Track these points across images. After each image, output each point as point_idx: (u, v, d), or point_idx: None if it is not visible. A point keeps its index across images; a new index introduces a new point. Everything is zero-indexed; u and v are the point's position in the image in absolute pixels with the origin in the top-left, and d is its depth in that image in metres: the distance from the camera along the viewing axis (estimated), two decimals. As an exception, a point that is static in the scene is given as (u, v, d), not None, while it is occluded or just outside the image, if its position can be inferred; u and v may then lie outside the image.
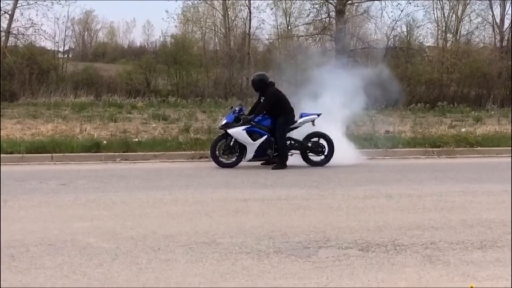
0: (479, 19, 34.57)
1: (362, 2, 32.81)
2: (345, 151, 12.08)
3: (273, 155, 11.73)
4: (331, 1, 31.77)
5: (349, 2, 32.36)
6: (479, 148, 14.56)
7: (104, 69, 33.33)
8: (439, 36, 34.99)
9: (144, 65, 31.53)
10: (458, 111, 25.78)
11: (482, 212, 7.40)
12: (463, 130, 17.48)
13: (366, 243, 5.90)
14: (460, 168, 11.84)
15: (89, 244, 5.84)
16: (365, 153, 12.64)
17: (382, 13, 42.96)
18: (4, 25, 30.37)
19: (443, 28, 34.54)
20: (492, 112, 25.37)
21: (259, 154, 11.69)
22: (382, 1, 32.47)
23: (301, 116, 11.94)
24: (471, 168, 11.97)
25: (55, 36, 32.76)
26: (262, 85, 11.87)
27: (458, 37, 34.25)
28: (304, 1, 33.59)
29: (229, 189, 9.19)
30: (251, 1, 33.56)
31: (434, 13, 34.56)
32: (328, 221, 6.88)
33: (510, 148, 14.33)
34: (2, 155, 12.22)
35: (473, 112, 24.98)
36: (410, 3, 33.13)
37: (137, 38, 69.29)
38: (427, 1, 33.74)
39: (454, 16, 34.46)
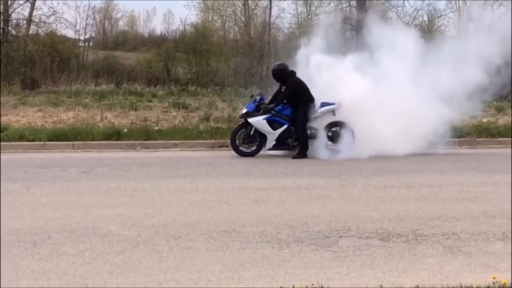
0: (502, 8, 34.11)
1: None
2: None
3: (293, 145, 11.71)
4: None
5: (371, -10, 32.15)
6: (501, 138, 14.41)
7: (124, 57, 33.42)
8: (461, 26, 34.61)
9: (164, 54, 31.59)
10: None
11: (504, 203, 7.32)
12: (485, 120, 17.30)
13: (387, 233, 5.88)
14: (482, 159, 11.75)
15: (110, 231, 5.89)
16: None
17: (403, 2, 42.59)
18: (26, 13, 30.58)
19: (465, 18, 34.15)
20: (515, 103, 25.05)
21: (279, 144, 11.68)
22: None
23: (321, 106, 11.88)
24: (493, 158, 11.87)
25: (76, 24, 32.97)
26: (283, 75, 11.81)
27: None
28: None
29: (249, 178, 9.20)
30: (272, -10, 33.43)
31: (456, 2, 34.22)
32: (349, 210, 6.86)
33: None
34: (23, 143, 12.42)
35: (495, 102, 24.70)
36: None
37: (158, 26, 68.82)
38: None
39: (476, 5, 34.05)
